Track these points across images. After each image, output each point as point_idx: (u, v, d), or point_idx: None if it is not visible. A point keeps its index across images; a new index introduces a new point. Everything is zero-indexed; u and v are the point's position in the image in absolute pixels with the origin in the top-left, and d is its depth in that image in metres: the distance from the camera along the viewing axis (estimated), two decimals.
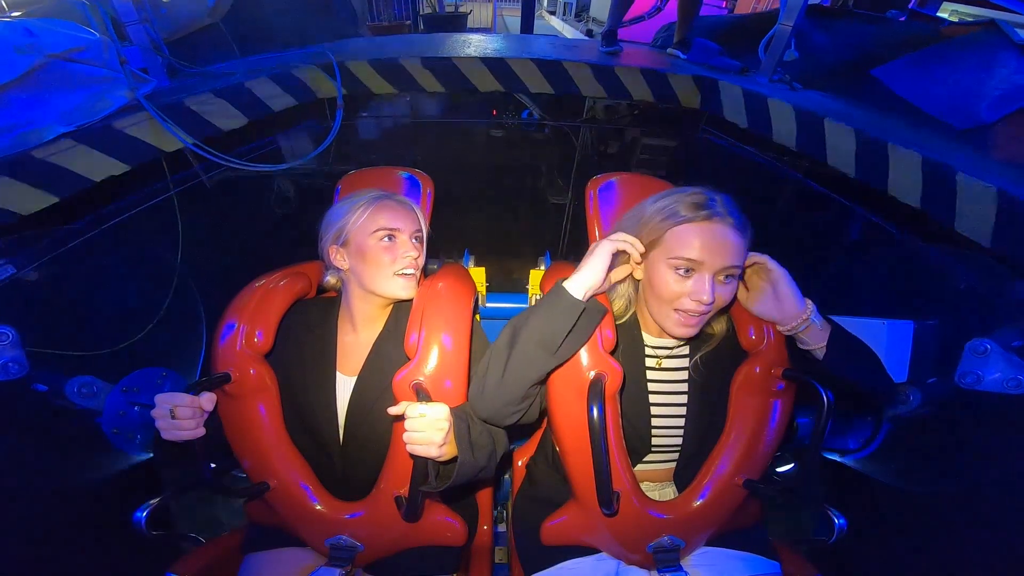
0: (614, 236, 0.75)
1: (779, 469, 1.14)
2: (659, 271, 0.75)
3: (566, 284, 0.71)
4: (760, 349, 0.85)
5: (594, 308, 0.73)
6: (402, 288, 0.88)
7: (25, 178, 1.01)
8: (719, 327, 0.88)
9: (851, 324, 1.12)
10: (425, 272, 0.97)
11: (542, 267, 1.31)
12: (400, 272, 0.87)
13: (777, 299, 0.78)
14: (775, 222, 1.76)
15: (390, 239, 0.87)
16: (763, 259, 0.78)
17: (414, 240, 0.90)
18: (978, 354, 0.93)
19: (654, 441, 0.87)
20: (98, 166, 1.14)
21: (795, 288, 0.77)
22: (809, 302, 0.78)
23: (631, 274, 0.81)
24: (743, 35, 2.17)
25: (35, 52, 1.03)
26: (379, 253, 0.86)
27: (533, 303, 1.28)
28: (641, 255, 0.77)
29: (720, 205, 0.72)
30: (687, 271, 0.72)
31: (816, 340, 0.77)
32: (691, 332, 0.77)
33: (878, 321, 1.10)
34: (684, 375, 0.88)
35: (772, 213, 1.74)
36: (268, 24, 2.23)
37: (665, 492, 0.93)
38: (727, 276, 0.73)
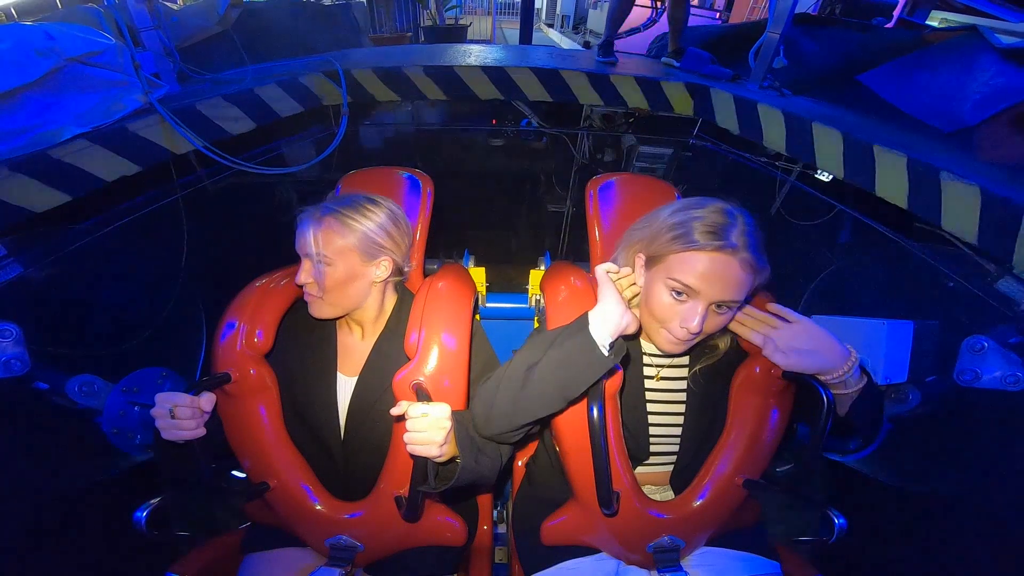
0: (607, 268, 0.70)
1: (779, 469, 1.14)
2: (656, 288, 0.73)
3: (593, 331, 0.63)
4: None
5: (620, 354, 0.66)
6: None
7: (40, 177, 1.03)
8: (723, 343, 0.86)
9: (851, 325, 1.13)
10: (424, 272, 0.98)
11: (542, 267, 1.32)
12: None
13: (817, 350, 0.71)
14: (769, 225, 1.78)
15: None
16: (783, 314, 0.72)
17: (317, 263, 0.81)
18: (975, 351, 0.93)
19: (652, 448, 0.87)
20: (111, 166, 1.17)
21: (833, 336, 0.71)
22: (852, 350, 0.72)
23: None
24: (735, 44, 2.22)
25: (54, 55, 1.05)
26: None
27: (533, 303, 1.29)
28: (644, 265, 0.76)
29: (738, 235, 0.67)
30: (681, 295, 0.70)
31: (850, 386, 0.73)
32: (678, 350, 0.76)
33: (878, 321, 1.08)
34: (683, 384, 0.88)
35: (766, 216, 1.76)
36: (274, 33, 2.29)
37: (666, 495, 0.93)
38: (723, 307, 0.71)
